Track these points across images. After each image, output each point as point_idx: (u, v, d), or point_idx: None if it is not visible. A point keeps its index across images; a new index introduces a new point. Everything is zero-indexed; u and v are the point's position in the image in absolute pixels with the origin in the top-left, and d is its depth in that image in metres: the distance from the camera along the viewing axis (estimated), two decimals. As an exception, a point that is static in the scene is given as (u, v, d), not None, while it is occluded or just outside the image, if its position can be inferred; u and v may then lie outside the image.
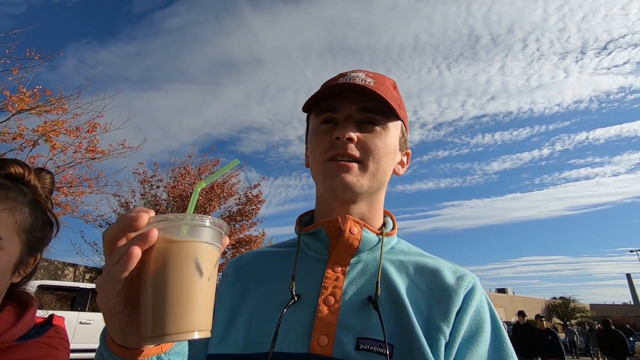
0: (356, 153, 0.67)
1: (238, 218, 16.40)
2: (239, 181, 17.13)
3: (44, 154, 10.10)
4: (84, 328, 7.46)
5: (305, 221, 0.80)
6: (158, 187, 15.89)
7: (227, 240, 0.48)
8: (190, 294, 0.40)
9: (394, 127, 0.73)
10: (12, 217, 0.65)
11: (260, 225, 17.34)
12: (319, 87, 0.76)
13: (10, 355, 0.59)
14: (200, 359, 0.66)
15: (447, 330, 0.59)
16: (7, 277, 0.64)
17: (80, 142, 10.61)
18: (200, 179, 16.05)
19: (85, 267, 17.32)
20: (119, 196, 15.15)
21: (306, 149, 0.82)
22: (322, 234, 0.69)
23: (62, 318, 0.71)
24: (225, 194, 16.01)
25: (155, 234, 0.40)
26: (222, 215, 16.37)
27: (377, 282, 0.63)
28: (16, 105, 9.46)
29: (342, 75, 0.74)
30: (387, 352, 0.55)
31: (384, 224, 0.76)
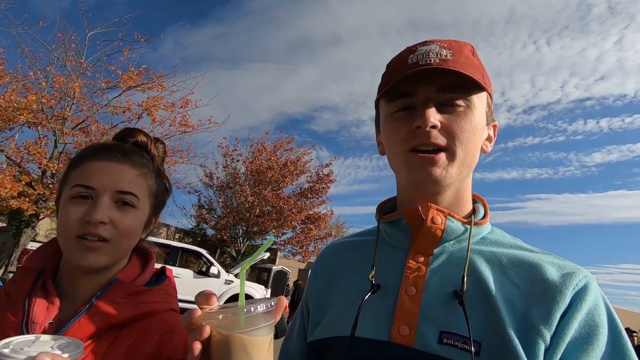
0: (441, 141, 0.61)
1: (308, 195, 16.94)
2: (311, 159, 17.58)
3: (146, 126, 11.50)
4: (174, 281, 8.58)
5: (386, 209, 0.77)
6: (238, 160, 17.08)
7: (283, 302, 0.51)
8: None
9: (480, 100, 0.65)
10: (145, 181, 0.74)
11: (329, 203, 17.69)
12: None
13: (140, 297, 0.69)
14: (300, 349, 0.75)
15: (547, 334, 0.53)
16: (139, 234, 0.73)
17: (175, 117, 11.82)
18: (276, 155, 16.83)
19: (176, 228, 19.67)
20: (205, 167, 16.69)
21: (377, 134, 0.77)
22: (403, 223, 0.66)
23: (171, 270, 0.81)
24: (298, 171, 16.60)
25: (206, 331, 0.46)
26: (293, 192, 17.07)
27: (463, 275, 0.59)
28: (126, 82, 10.85)
29: (411, 50, 0.66)
30: (473, 349, 0.52)
31: (474, 211, 0.69)
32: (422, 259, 0.64)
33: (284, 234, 17.36)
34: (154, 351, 0.65)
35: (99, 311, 0.63)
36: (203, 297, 0.49)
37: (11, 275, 7.66)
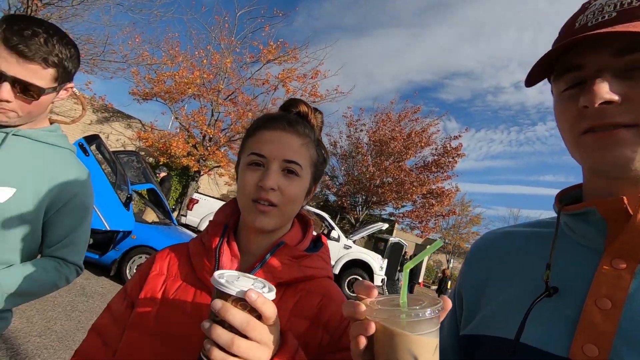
0: (622, 118, 0.48)
1: (433, 169, 16.06)
2: (438, 131, 16.45)
3: (281, 96, 12.57)
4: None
5: (569, 198, 0.63)
6: (361, 130, 17.23)
7: (448, 305, 0.46)
8: None
9: None
10: (307, 151, 0.77)
11: (455, 179, 16.44)
12: (556, 21, 0.54)
13: (303, 261, 0.73)
14: (450, 342, 0.68)
15: None
16: (301, 201, 0.78)
17: (306, 87, 12.53)
18: (400, 125, 16.32)
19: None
20: (330, 135, 17.41)
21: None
22: (596, 216, 0.53)
23: (326, 238, 0.86)
24: (423, 143, 15.80)
25: (372, 328, 0.44)
26: (416, 164, 16.42)
27: None
28: (266, 56, 11.95)
29: (583, 8, 0.53)
30: None
31: None
32: (623, 265, 0.49)
33: (403, 206, 17.08)
34: (314, 313, 0.69)
35: (270, 269, 0.70)
36: (363, 289, 0.47)
37: (182, 217, 9.72)
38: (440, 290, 13.85)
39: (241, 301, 0.50)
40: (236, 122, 12.00)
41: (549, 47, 0.57)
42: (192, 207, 9.63)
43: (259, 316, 0.50)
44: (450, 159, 15.80)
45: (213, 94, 11.92)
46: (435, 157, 16.15)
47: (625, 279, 0.49)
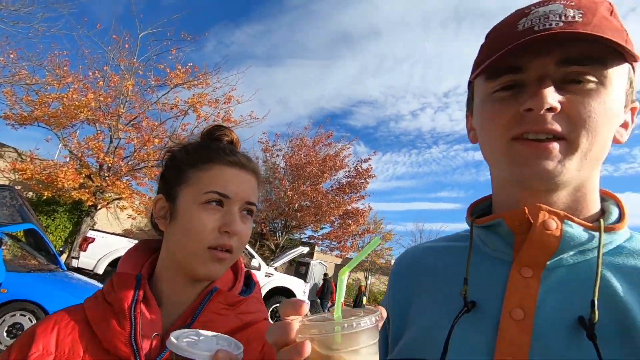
0: (559, 128, 0.48)
1: (347, 190, 16.84)
2: (350, 154, 17.44)
3: (191, 122, 11.97)
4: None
5: (479, 210, 0.64)
6: (277, 155, 17.33)
7: (385, 312, 0.43)
8: None
9: (619, 76, 0.49)
10: (259, 190, 0.72)
11: (368, 199, 17.48)
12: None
13: (239, 308, 0.65)
14: None
15: None
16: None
17: (219, 112, 12.18)
18: (315, 150, 16.87)
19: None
20: (246, 162, 17.09)
21: (467, 118, 0.65)
22: (503, 228, 0.53)
23: (255, 274, 0.77)
24: (336, 166, 16.54)
25: (308, 348, 0.37)
26: (332, 187, 17.05)
27: (593, 300, 0.45)
28: (173, 80, 11.34)
29: (523, 13, 0.52)
30: None
31: (603, 213, 0.55)
32: (530, 273, 0.51)
33: (322, 228, 17.41)
34: None
35: (205, 322, 0.60)
36: (291, 306, 0.40)
37: (74, 260, 8.33)
38: (357, 306, 14.20)
39: None
40: (140, 150, 10.98)
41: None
42: (87, 247, 8.31)
43: None
44: (362, 180, 16.80)
45: (112, 118, 10.76)
46: (349, 179, 17.01)
47: (533, 287, 0.50)
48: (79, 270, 7.87)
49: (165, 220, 0.66)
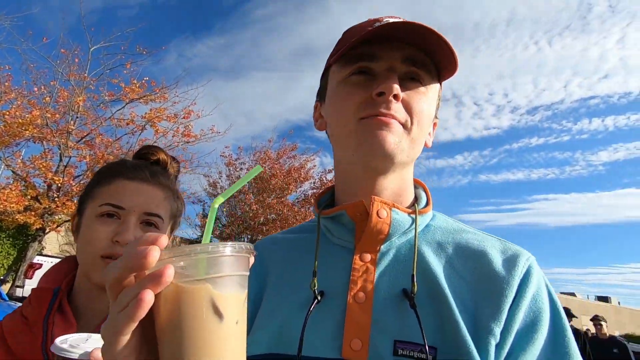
0: (400, 116, 0.56)
1: (312, 201, 16.90)
2: (314, 166, 17.59)
3: (150, 137, 11.59)
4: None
5: (325, 201, 0.68)
6: (241, 169, 17.13)
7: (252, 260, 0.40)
8: (212, 345, 0.33)
9: (435, 89, 0.62)
10: (169, 204, 0.75)
11: (334, 209, 17.65)
12: None
13: None
14: None
15: (497, 330, 0.51)
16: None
17: (178, 127, 11.91)
18: (279, 163, 16.87)
19: (181, 238, 19.68)
20: (209, 176, 16.74)
21: (317, 108, 0.70)
22: (345, 218, 0.60)
23: None
24: (302, 178, 16.61)
25: (171, 272, 0.31)
26: (297, 199, 17.07)
27: (413, 274, 0.54)
28: (129, 95, 10.97)
29: (376, 19, 0.60)
30: (430, 357, 0.48)
31: (416, 199, 0.65)
32: (368, 257, 0.58)
33: (289, 241, 17.30)
34: None
35: None
36: (146, 241, 0.33)
37: (18, 289, 7.69)
38: None
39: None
40: (93, 168, 10.44)
41: None
42: (32, 275, 7.75)
43: None
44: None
45: (61, 136, 10.17)
46: (314, 191, 17.11)
47: (371, 271, 0.56)
48: (23, 299, 7.28)
49: (76, 233, 0.69)
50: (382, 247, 0.59)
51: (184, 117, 11.98)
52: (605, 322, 6.61)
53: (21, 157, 10.27)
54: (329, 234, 0.63)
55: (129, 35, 12.00)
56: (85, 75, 11.06)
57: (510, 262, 0.57)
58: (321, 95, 0.69)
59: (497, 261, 0.57)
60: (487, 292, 0.54)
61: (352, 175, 0.62)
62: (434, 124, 0.68)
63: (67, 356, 0.45)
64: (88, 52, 11.24)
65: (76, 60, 11.01)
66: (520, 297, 0.53)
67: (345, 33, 0.65)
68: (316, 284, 0.56)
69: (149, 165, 0.76)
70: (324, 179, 17.11)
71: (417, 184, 0.67)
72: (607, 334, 6.48)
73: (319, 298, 0.55)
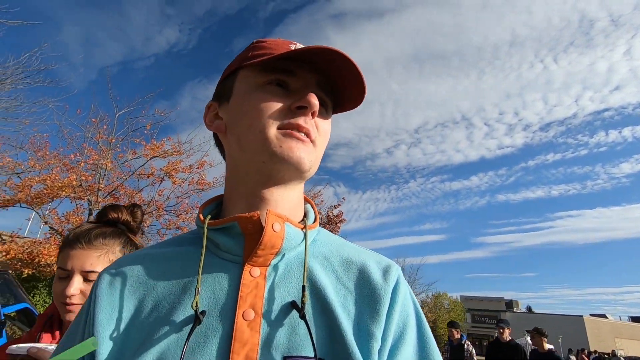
0: (312, 133, 0.59)
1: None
2: (322, 201, 18.44)
3: (168, 187, 12.87)
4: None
5: (209, 210, 0.65)
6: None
7: None
8: None
9: (330, 119, 0.66)
10: (106, 257, 0.95)
11: (348, 239, 18.14)
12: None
13: None
14: None
15: (378, 334, 0.53)
16: None
17: (193, 177, 13.18)
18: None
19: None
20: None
21: (212, 107, 0.67)
22: (236, 230, 0.57)
23: None
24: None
25: None
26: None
27: (304, 285, 0.53)
28: (149, 153, 12.40)
29: (292, 42, 0.62)
30: None
31: (305, 215, 0.66)
32: (258, 272, 0.55)
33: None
34: None
35: None
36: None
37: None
38: None
39: (28, 358, 0.68)
40: (119, 219, 11.60)
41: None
42: (70, 320, 8.64)
43: None
44: (333, 226, 17.71)
45: (92, 193, 11.56)
46: (322, 226, 17.76)
47: (261, 286, 0.54)
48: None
49: None
50: (272, 262, 0.57)
51: (198, 168, 13.29)
52: (509, 328, 6.11)
53: (57, 214, 11.62)
54: (215, 247, 0.59)
55: (150, 99, 13.67)
56: (112, 138, 12.62)
57: (385, 272, 0.60)
58: (223, 96, 0.65)
59: (375, 271, 0.60)
60: (368, 299, 0.56)
61: (249, 183, 0.60)
62: None
63: (12, 353, 0.63)
64: (114, 118, 12.88)
65: (105, 126, 12.61)
66: (394, 303, 0.57)
67: (257, 42, 0.64)
68: (197, 304, 0.51)
69: (90, 230, 0.99)
70: (330, 214, 17.91)
71: (305, 200, 0.69)
72: (508, 339, 6.03)
73: (201, 318, 0.50)
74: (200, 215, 0.62)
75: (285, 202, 0.61)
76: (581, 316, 36.76)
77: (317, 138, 0.60)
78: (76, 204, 11.74)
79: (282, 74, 0.59)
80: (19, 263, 10.76)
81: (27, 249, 10.65)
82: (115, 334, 0.53)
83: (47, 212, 11.52)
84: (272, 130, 0.57)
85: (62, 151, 12.22)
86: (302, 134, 0.58)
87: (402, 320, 0.58)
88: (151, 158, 12.52)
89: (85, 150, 12.20)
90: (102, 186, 11.79)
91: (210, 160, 13.53)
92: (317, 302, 0.55)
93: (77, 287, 0.93)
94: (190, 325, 0.51)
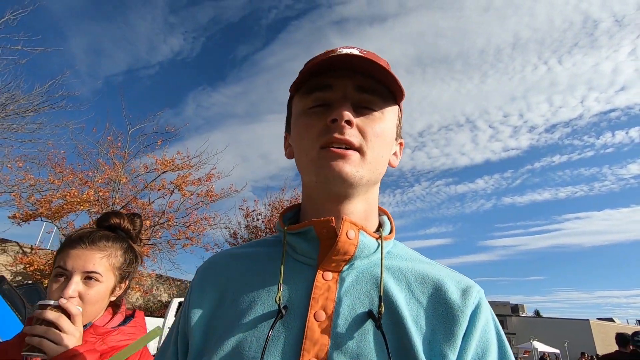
0: (355, 140, 0.58)
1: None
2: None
3: (178, 199, 13.50)
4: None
5: (289, 217, 0.69)
6: (258, 219, 18.76)
7: None
8: None
9: (392, 112, 0.64)
10: (108, 260, 0.95)
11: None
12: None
13: (106, 337, 0.90)
14: None
15: (452, 357, 0.52)
16: (106, 299, 0.95)
17: (202, 190, 13.79)
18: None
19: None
20: (229, 227, 18.41)
21: (286, 137, 0.72)
22: (312, 234, 0.59)
23: (142, 312, 1.02)
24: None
25: None
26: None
27: (380, 296, 0.54)
28: (161, 167, 13.04)
29: (332, 50, 0.63)
30: None
31: (381, 225, 0.66)
32: (331, 276, 0.58)
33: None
34: None
35: (83, 343, 0.84)
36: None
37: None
38: None
39: (56, 308, 0.75)
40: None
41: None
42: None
43: (68, 317, 0.75)
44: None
45: (107, 207, 12.20)
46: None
47: (333, 290, 0.56)
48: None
49: None
50: (345, 267, 0.59)
51: (206, 180, 13.90)
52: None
53: (73, 227, 12.29)
54: (292, 250, 0.63)
55: (160, 117, 14.36)
56: (126, 153, 13.30)
57: (464, 292, 0.58)
58: (288, 125, 0.71)
59: (453, 290, 0.58)
60: (443, 318, 0.55)
61: (318, 197, 0.62)
62: (401, 144, 0.72)
63: (44, 303, 0.72)
64: (127, 134, 13.57)
65: (119, 144, 13.29)
66: (473, 327, 0.55)
67: (306, 64, 0.65)
68: (280, 298, 0.55)
69: (92, 234, 0.97)
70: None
71: (381, 212, 0.69)
72: None
73: (283, 312, 0.54)
74: (281, 221, 0.66)
75: (355, 212, 0.61)
76: (587, 320, 36.95)
77: (363, 143, 0.59)
78: (91, 218, 12.39)
79: (320, 91, 0.61)
80: (39, 274, 11.43)
81: (48, 261, 11.31)
82: (203, 322, 0.60)
83: (65, 225, 12.20)
84: (315, 151, 0.59)
85: (79, 167, 12.91)
86: (342, 147, 0.57)
87: (481, 347, 0.55)
88: (162, 173, 13.14)
89: (100, 166, 12.86)
90: (117, 200, 12.44)
91: (218, 172, 14.15)
92: (389, 313, 0.55)
93: (75, 288, 0.89)
94: (271, 318, 0.55)
